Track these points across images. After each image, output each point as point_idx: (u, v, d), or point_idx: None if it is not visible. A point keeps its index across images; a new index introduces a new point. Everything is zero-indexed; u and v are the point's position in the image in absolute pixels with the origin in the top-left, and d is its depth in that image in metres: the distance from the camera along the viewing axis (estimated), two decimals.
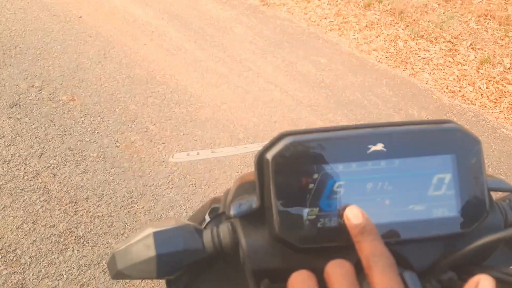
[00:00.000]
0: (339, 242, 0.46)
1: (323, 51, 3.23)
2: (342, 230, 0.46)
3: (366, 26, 3.56)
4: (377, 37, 3.44)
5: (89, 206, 1.95)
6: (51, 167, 2.09)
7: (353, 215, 0.44)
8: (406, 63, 3.14)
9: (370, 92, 2.84)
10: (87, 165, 2.11)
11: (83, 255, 1.78)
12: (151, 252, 0.46)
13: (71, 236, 1.84)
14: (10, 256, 1.76)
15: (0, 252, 1.76)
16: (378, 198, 0.46)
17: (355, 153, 0.46)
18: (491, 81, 2.99)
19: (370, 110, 2.69)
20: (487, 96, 2.86)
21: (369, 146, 0.46)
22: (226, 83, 2.77)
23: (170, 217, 0.63)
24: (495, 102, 2.82)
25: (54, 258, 1.77)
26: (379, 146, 0.46)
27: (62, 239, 1.83)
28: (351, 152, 0.46)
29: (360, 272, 0.47)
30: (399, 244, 0.48)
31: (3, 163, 2.09)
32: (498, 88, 2.93)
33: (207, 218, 0.56)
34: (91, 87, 2.59)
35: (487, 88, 2.92)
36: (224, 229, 0.49)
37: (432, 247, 0.50)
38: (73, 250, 1.80)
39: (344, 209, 0.46)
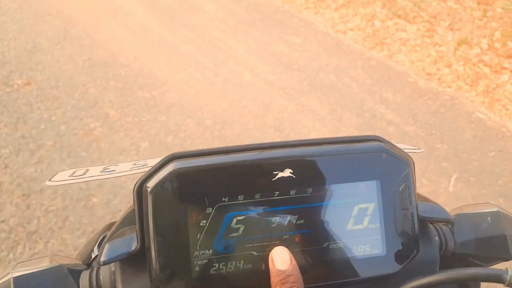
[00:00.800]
0: None
1: (297, 30, 3.12)
2: (241, 277, 0.37)
3: (342, 4, 3.45)
4: (353, 16, 3.33)
5: (43, 199, 1.83)
6: (2, 157, 1.96)
7: (280, 259, 0.35)
8: (383, 44, 3.05)
9: (345, 74, 2.75)
10: (42, 155, 1.99)
11: (35, 252, 1.68)
12: None
13: (23, 232, 1.73)
14: None
15: None
16: (286, 235, 0.37)
17: (258, 181, 0.37)
18: (467, 63, 2.92)
19: (344, 93, 2.60)
20: (464, 79, 2.80)
21: (275, 173, 0.37)
22: (194, 65, 2.64)
23: (46, 255, 0.52)
24: (471, 85, 2.76)
25: (4, 256, 1.66)
26: (287, 172, 0.37)
27: (12, 235, 1.72)
28: (253, 180, 0.37)
29: None
30: None
31: None
32: (474, 70, 2.87)
33: (96, 251, 0.46)
34: (48, 70, 2.43)
35: (463, 70, 2.86)
36: (104, 272, 0.39)
37: None
38: (24, 247, 1.69)
39: (246, 250, 0.37)
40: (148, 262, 0.36)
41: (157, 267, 0.35)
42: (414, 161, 0.40)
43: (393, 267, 0.39)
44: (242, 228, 0.37)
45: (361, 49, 2.99)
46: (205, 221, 0.36)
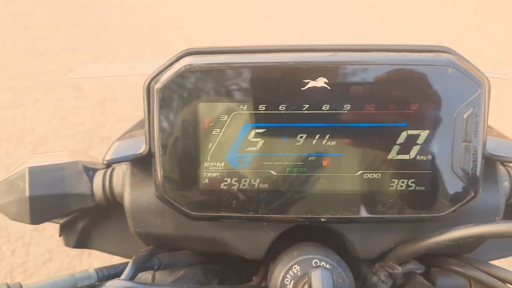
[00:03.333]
0: (250, 212, 0.32)
1: None
2: (255, 197, 0.32)
3: None
4: None
5: (116, 108, 1.91)
6: (83, 63, 2.05)
7: None
8: None
9: None
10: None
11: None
12: (24, 193, 0.36)
13: (97, 137, 1.84)
14: (39, 150, 1.80)
15: (31, 143, 1.81)
16: (313, 156, 0.31)
17: (284, 89, 0.30)
18: None
19: (440, 23, 2.31)
20: None
21: (305, 81, 0.30)
22: None
23: (67, 150, 0.51)
24: None
25: None
26: (321, 82, 0.30)
27: (87, 138, 1.84)
28: (278, 88, 0.30)
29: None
30: (340, 222, 0.33)
31: (38, 55, 2.08)
32: None
33: None
34: None
35: None
36: (118, 173, 0.38)
37: (389, 231, 0.35)
38: (98, 150, 1.80)
39: (263, 168, 0.32)
40: (153, 168, 0.33)
41: (162, 174, 0.32)
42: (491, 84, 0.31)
43: (440, 210, 0.32)
44: (261, 142, 0.32)
45: None
46: (218, 130, 0.32)
